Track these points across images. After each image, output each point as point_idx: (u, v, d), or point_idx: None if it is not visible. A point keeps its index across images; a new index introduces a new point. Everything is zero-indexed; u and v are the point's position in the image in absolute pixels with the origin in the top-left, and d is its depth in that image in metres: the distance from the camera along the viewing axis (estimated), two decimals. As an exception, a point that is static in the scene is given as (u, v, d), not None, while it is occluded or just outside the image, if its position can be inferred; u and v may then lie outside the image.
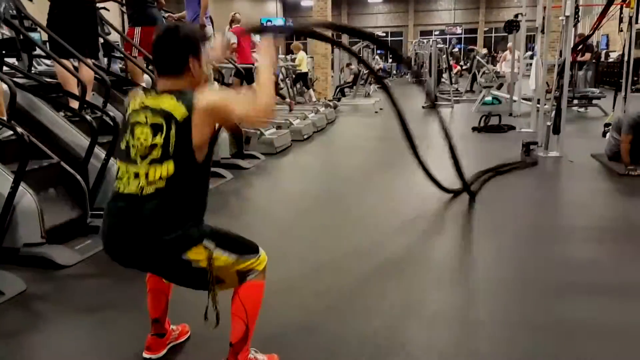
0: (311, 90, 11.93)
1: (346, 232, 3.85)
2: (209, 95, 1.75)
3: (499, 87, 12.81)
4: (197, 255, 1.75)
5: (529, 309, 2.60)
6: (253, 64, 8.65)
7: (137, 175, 1.74)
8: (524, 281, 2.94)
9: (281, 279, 2.70)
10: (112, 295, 2.78)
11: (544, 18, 7.74)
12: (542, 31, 7.95)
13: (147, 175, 1.72)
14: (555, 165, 5.92)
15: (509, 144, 6.81)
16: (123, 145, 1.80)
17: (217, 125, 1.79)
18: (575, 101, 10.04)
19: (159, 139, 1.72)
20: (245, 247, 1.88)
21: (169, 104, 1.73)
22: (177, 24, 1.88)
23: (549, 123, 6.33)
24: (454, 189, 4.50)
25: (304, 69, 11.90)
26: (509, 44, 12.89)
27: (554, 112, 6.36)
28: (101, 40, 4.83)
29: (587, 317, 2.49)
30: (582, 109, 10.42)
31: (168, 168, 1.71)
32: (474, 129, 8.40)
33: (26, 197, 3.14)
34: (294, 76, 12.06)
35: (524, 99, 9.95)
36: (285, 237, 3.75)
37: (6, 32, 3.93)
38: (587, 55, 11.47)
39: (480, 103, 11.31)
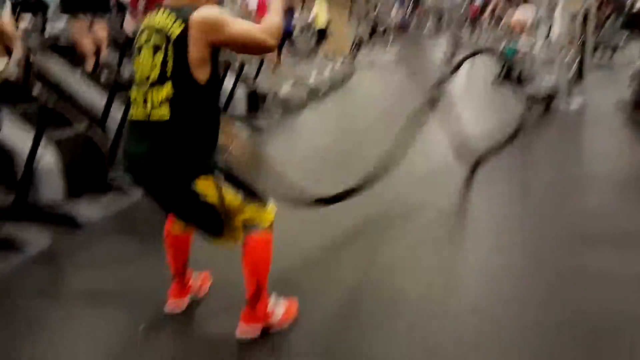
0: (327, 46, 11.74)
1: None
2: (207, 11, 1.72)
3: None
4: (205, 187, 1.76)
5: (555, 255, 2.62)
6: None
7: (145, 100, 1.75)
8: (550, 231, 2.94)
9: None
10: (134, 250, 2.82)
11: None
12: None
13: (151, 99, 1.73)
14: (578, 113, 5.79)
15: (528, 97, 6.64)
16: (134, 69, 1.83)
17: (215, 41, 1.72)
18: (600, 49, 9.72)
19: (157, 59, 1.72)
20: (254, 194, 1.88)
21: (168, 22, 1.72)
22: None
23: (570, 73, 6.17)
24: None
25: (321, 23, 11.69)
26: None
27: (577, 60, 6.18)
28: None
29: (610, 265, 2.50)
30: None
31: (168, 89, 1.71)
32: (496, 79, 8.22)
33: (48, 156, 3.20)
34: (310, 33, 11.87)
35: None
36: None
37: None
38: (609, 7, 11.04)
39: (503, 54, 10.99)
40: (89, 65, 4.05)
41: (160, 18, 1.74)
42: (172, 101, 1.71)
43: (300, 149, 5.20)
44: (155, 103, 1.72)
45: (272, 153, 5.19)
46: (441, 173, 4.01)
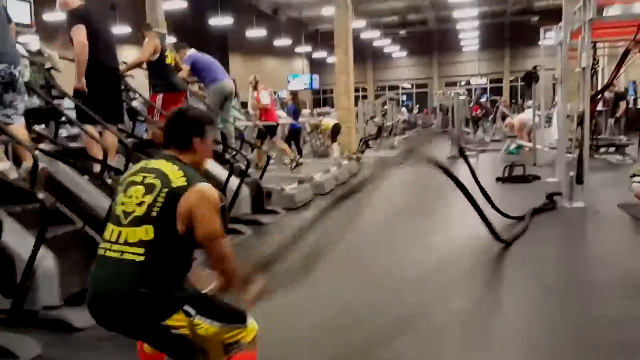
0: (335, 144, 12.08)
1: (365, 285, 3.81)
2: (211, 189, 1.84)
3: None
4: (176, 321, 1.74)
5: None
6: (277, 122, 8.95)
7: (118, 236, 1.78)
8: (552, 341, 2.84)
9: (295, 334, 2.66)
10: (126, 358, 2.80)
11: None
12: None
13: (126, 236, 1.76)
14: (580, 216, 5.79)
15: (533, 194, 6.70)
16: (114, 207, 1.87)
17: (196, 213, 1.79)
18: (603, 149, 9.90)
19: (147, 198, 1.78)
20: (230, 316, 1.86)
21: (171, 169, 1.83)
22: (189, 107, 2.09)
23: (571, 173, 6.24)
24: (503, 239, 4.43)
25: (326, 125, 12.15)
26: (508, 121, 12.86)
27: (577, 160, 6.28)
28: (129, 105, 5.08)
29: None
30: (619, 157, 10.16)
31: (147, 231, 1.75)
32: (498, 179, 8.33)
33: (47, 260, 3.24)
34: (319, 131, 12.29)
35: (550, 147, 9.86)
36: (302, 293, 3.74)
37: (36, 100, 4.17)
38: (622, 105, 11.29)
39: (506, 152, 11.25)
40: (97, 169, 4.20)
41: (164, 164, 1.87)
42: (149, 244, 1.75)
43: (302, 247, 5.19)
44: (131, 241, 1.76)
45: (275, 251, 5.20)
46: (430, 272, 3.96)
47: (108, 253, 1.80)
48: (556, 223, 5.53)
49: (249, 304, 1.93)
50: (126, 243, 1.76)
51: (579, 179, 6.09)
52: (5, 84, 3.57)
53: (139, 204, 1.79)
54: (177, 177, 1.81)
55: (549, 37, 9.54)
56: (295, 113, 10.77)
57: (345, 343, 2.91)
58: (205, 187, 1.83)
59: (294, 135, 10.48)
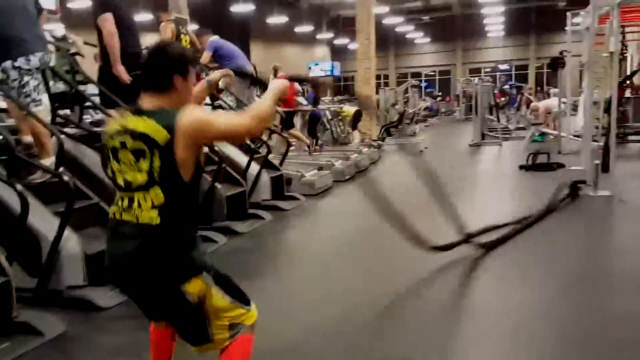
0: (355, 131, 12.05)
1: (384, 275, 3.82)
2: (191, 113, 1.73)
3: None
4: (193, 287, 1.75)
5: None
6: (295, 110, 8.95)
7: (130, 202, 1.75)
8: (570, 337, 2.80)
9: (316, 320, 2.69)
10: (147, 336, 2.85)
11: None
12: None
13: (139, 202, 1.73)
14: (604, 205, 5.69)
15: (556, 183, 6.59)
16: (109, 172, 1.81)
17: (203, 141, 1.78)
18: (630, 137, 9.67)
19: (143, 164, 1.72)
20: (240, 295, 1.87)
21: (149, 126, 1.71)
22: (168, 43, 1.91)
23: (597, 161, 6.12)
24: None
25: (347, 112, 12.12)
26: (533, 104, 12.74)
27: (603, 149, 6.15)
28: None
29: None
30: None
31: (157, 194, 1.72)
32: (521, 167, 8.22)
33: (71, 241, 3.31)
34: (339, 118, 12.28)
35: (575, 135, 9.67)
36: (322, 280, 3.77)
37: (61, 85, 4.24)
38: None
39: (530, 140, 11.08)
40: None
41: (139, 122, 1.74)
42: (162, 205, 1.73)
43: (322, 234, 5.23)
44: (144, 206, 1.73)
45: (291, 236, 5.27)
46: (447, 264, 3.94)
47: (124, 216, 1.77)
48: (579, 212, 5.44)
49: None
50: (140, 207, 1.74)
51: (605, 168, 5.98)
52: (31, 70, 3.63)
53: (138, 171, 1.73)
54: (159, 133, 1.69)
55: (576, 22, 9.31)
56: (315, 100, 10.77)
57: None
58: (184, 121, 1.70)
59: (313, 123, 10.49)
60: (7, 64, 3.55)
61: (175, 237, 1.75)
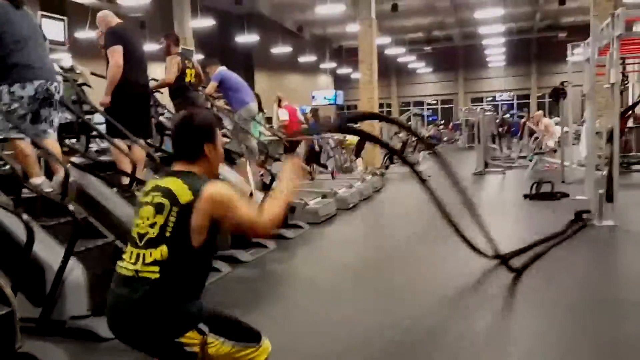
0: (359, 159, 12.09)
1: (387, 305, 3.79)
2: (219, 187, 1.81)
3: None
4: (190, 339, 1.74)
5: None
6: (301, 139, 8.98)
7: (137, 258, 1.78)
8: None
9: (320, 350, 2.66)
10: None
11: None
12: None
13: (143, 257, 1.76)
14: (609, 234, 5.66)
15: (561, 213, 6.59)
16: (134, 224, 1.86)
17: (218, 217, 1.79)
18: (633, 167, 9.68)
19: (159, 219, 1.76)
20: (244, 334, 1.84)
21: (177, 185, 1.79)
22: (192, 112, 1.98)
23: (601, 191, 6.12)
24: (492, 255, 4.30)
25: (352, 144, 12.20)
26: (538, 112, 13.02)
27: (607, 178, 6.15)
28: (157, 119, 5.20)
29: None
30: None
31: (162, 252, 1.74)
32: (525, 196, 8.21)
33: (75, 271, 3.30)
34: (342, 146, 12.34)
35: (580, 164, 9.69)
36: (328, 306, 3.75)
37: (67, 116, 4.29)
38: None
39: (533, 169, 11.11)
40: (126, 182, 4.29)
41: (170, 181, 1.82)
42: (164, 263, 1.75)
43: (327, 262, 5.21)
44: (147, 261, 1.76)
45: (295, 265, 5.25)
46: (452, 295, 3.91)
47: (124, 272, 1.81)
48: (585, 241, 5.42)
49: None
50: (143, 263, 1.76)
51: (609, 197, 5.97)
52: (42, 100, 3.66)
53: (152, 225, 1.78)
54: (183, 193, 1.77)
55: (577, 53, 9.43)
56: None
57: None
58: (210, 190, 1.77)
59: (312, 151, 10.55)
60: (4, 87, 3.55)
61: (171, 294, 1.76)
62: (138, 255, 1.78)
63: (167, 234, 1.75)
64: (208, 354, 1.76)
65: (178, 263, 1.76)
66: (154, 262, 1.75)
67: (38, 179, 3.61)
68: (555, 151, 12.10)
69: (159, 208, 1.78)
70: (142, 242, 1.78)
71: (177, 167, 1.90)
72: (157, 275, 1.74)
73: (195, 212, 1.75)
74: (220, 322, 1.82)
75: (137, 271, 1.76)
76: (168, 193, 1.78)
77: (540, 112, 13.82)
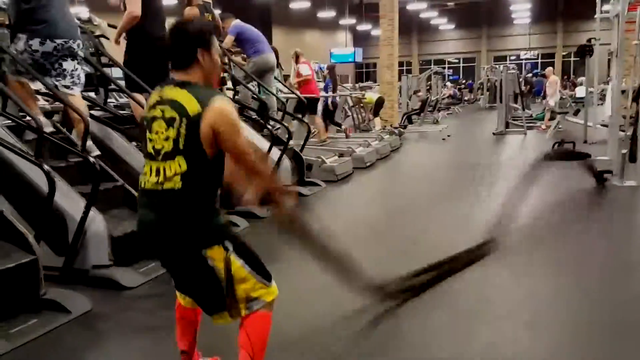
0: (377, 118, 11.97)
1: (400, 259, 3.80)
2: (228, 105, 1.81)
3: (576, 113, 12.32)
4: (215, 253, 1.80)
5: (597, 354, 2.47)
6: (317, 96, 8.89)
7: (157, 171, 1.81)
8: (594, 323, 2.78)
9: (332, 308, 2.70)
10: (170, 314, 2.89)
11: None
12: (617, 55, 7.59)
13: (164, 170, 1.79)
14: (631, 195, 5.58)
15: (581, 173, 6.48)
16: (144, 143, 1.88)
17: (217, 131, 1.78)
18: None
19: (171, 132, 1.78)
20: (260, 268, 1.89)
21: (183, 96, 1.78)
22: (186, 20, 1.96)
23: (624, 151, 6.00)
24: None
25: (370, 103, 12.06)
26: (548, 68, 12.75)
27: (630, 138, 6.02)
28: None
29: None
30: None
31: (180, 163, 1.77)
32: (545, 156, 8.07)
33: (96, 221, 3.36)
34: (361, 105, 12.22)
35: (602, 125, 9.47)
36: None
37: (86, 68, 4.28)
38: None
39: (555, 129, 10.91)
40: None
41: (176, 93, 1.81)
42: (185, 174, 1.77)
43: (343, 219, 5.23)
44: (168, 175, 1.78)
45: (314, 222, 5.25)
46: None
47: (148, 185, 1.83)
48: (605, 202, 5.35)
49: (281, 211, 2.00)
50: (165, 176, 1.79)
51: (633, 157, 5.85)
52: (63, 55, 3.67)
53: (166, 139, 1.78)
54: (191, 104, 1.76)
55: (606, 9, 9.07)
56: (331, 86, 10.82)
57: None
58: (218, 104, 1.78)
59: (330, 111, 10.48)
60: (23, 37, 3.57)
61: (196, 203, 1.80)
62: (158, 168, 1.81)
63: (181, 147, 1.77)
64: (229, 271, 1.81)
65: (198, 173, 1.79)
66: (175, 174, 1.77)
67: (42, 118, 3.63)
68: (552, 111, 11.90)
69: (170, 122, 1.79)
70: (160, 156, 1.80)
71: (178, 76, 1.86)
72: (180, 185, 1.77)
73: (203, 125, 1.76)
74: (243, 245, 1.87)
75: (160, 183, 1.79)
76: (177, 105, 1.79)
77: (550, 68, 13.57)
